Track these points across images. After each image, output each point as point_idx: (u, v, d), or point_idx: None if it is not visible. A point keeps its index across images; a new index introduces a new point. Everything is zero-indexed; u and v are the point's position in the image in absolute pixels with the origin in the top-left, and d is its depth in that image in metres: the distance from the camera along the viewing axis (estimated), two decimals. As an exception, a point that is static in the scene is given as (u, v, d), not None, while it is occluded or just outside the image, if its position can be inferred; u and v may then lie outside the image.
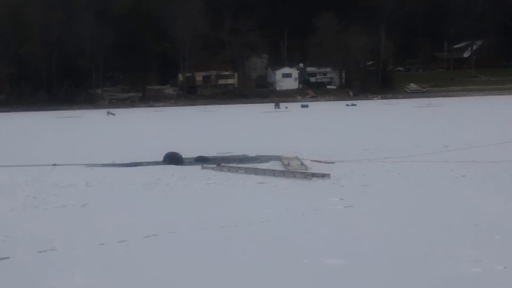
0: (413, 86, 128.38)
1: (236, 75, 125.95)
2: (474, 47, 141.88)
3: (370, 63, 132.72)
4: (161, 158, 19.36)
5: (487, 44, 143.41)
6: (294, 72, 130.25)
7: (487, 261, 7.10)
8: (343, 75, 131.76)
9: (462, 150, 19.74)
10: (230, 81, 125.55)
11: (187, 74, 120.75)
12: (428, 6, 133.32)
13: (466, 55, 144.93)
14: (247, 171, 16.24)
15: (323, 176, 14.70)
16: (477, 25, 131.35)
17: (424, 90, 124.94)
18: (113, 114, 70.50)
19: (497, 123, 34.09)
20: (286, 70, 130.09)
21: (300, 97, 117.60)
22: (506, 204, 10.64)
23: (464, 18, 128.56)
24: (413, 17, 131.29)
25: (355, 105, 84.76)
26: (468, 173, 14.63)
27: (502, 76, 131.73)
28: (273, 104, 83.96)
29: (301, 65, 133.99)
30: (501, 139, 23.08)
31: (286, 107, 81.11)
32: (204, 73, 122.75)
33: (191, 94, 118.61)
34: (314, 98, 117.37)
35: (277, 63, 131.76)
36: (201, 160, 19.10)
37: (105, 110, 77.66)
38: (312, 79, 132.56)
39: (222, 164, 17.45)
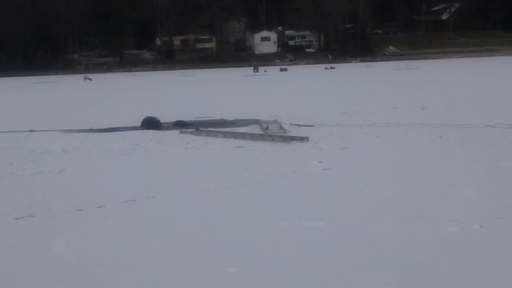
0: (391, 48, 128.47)
1: (214, 39, 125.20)
2: (452, 10, 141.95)
3: (348, 26, 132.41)
4: (139, 123, 19.25)
5: (465, 7, 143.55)
6: (273, 36, 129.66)
7: (463, 221, 7.16)
8: (322, 38, 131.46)
9: (439, 113, 19.81)
10: (208, 45, 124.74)
11: (165, 39, 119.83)
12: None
13: (444, 17, 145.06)
14: (226, 135, 16.18)
15: (302, 139, 14.70)
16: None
17: (403, 52, 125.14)
18: (90, 79, 69.87)
19: (474, 86, 34.25)
20: (265, 33, 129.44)
21: (279, 60, 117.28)
22: (482, 165, 10.71)
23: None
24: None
25: (334, 68, 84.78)
26: (445, 135, 14.70)
27: (480, 38, 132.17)
28: (251, 68, 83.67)
29: (280, 28, 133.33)
30: (478, 102, 23.22)
31: (265, 71, 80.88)
32: (182, 38, 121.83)
33: (169, 59, 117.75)
34: (293, 61, 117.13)
35: (255, 27, 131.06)
36: (180, 125, 19.00)
37: (82, 76, 76.86)
38: (291, 43, 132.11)
39: (201, 129, 17.36)
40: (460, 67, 64.97)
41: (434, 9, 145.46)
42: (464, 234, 6.72)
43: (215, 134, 16.45)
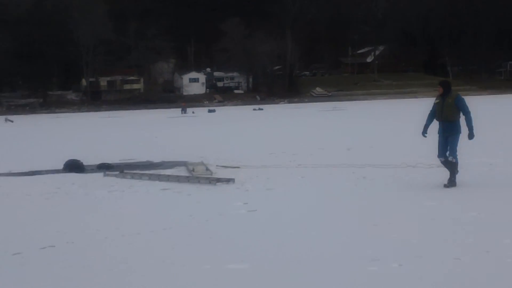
0: (318, 90, 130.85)
1: (142, 80, 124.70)
2: (377, 52, 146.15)
3: (277, 67, 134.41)
4: (61, 166, 18.80)
5: (389, 50, 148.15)
6: (201, 77, 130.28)
7: (383, 260, 7.27)
8: (250, 79, 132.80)
9: (364, 153, 20.17)
10: (136, 86, 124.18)
11: (91, 79, 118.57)
12: (332, 12, 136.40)
13: (369, 60, 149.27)
14: (151, 177, 15.98)
15: (228, 181, 14.66)
16: (379, 31, 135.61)
17: (330, 94, 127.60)
18: (11, 121, 68.35)
19: (396, 127, 35.11)
20: (193, 74, 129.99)
21: (207, 102, 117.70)
22: (403, 205, 10.90)
23: (366, 24, 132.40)
24: (318, 23, 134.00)
25: (262, 109, 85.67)
26: (368, 175, 14.94)
27: (403, 80, 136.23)
28: (180, 109, 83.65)
29: (208, 69, 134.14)
30: (400, 143, 23.78)
31: (193, 112, 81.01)
32: (108, 78, 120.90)
33: (95, 100, 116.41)
34: (222, 102, 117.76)
35: (184, 68, 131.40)
36: (104, 167, 18.64)
37: (3, 117, 75.06)
38: (220, 84, 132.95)
39: (126, 171, 17.11)
40: (384, 109, 66.66)
41: (359, 51, 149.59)
42: (383, 273, 6.79)
43: (140, 176, 16.23)
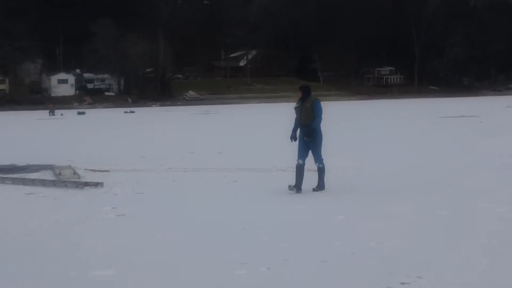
0: (191, 93, 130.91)
1: (7, 80, 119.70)
2: (250, 57, 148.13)
3: (149, 70, 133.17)
4: None
5: (261, 54, 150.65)
6: (71, 78, 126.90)
7: (252, 263, 7.32)
8: (122, 81, 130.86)
9: (235, 157, 20.33)
10: (1, 86, 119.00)
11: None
12: (205, 15, 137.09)
13: (242, 64, 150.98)
14: (15, 181, 15.32)
15: (96, 185, 14.30)
16: (251, 36, 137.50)
17: (202, 97, 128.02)
18: None
19: (267, 131, 35.66)
20: (62, 76, 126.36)
21: (77, 103, 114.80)
22: (272, 208, 11.05)
23: (239, 29, 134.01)
24: (191, 25, 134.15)
25: (133, 112, 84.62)
26: (239, 179, 15.06)
27: (276, 84, 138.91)
28: (47, 111, 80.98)
29: (78, 71, 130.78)
30: (271, 146, 24.18)
31: (62, 114, 78.76)
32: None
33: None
34: (92, 105, 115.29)
35: (52, 69, 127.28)
36: (-37, 171, 17.67)
37: None
38: (90, 86, 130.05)
39: (-13, 175, 16.32)
40: (257, 112, 67.66)
41: (232, 55, 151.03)
42: (252, 276, 6.83)
43: (3, 180, 15.51)
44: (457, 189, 12.72)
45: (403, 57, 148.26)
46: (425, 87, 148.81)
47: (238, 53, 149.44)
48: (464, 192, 12.35)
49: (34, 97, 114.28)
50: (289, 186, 12.79)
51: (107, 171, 17.34)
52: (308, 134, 12.50)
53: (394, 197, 11.87)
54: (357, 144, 25.07)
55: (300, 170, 12.69)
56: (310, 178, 13.00)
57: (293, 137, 13.08)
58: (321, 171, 12.76)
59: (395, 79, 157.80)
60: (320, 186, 12.81)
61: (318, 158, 12.69)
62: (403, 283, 6.48)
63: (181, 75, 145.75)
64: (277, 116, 53.19)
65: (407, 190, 12.80)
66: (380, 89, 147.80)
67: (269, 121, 48.33)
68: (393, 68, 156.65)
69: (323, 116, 12.70)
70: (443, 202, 11.18)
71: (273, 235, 8.80)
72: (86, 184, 14.38)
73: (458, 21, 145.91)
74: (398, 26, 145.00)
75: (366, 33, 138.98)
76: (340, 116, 48.39)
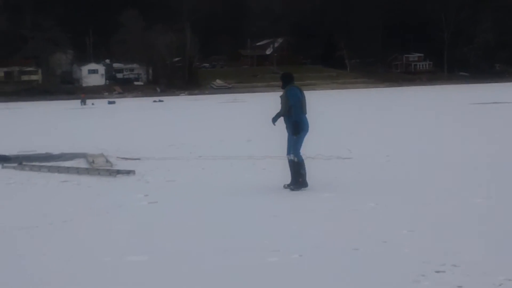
0: (219, 82, 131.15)
1: (40, 71, 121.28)
2: (276, 45, 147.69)
3: (176, 59, 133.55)
4: (-46, 160, 18.05)
5: (287, 42, 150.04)
6: (101, 68, 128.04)
7: (283, 251, 7.38)
8: (150, 71, 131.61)
9: (264, 145, 20.38)
10: (34, 77, 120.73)
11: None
12: (230, 5, 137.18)
13: (268, 52, 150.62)
14: (50, 169, 15.64)
15: (128, 172, 14.54)
16: (276, 25, 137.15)
17: (230, 86, 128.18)
18: None
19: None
20: (92, 66, 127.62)
21: (107, 93, 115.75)
22: (301, 196, 11.11)
23: (263, 18, 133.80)
24: (216, 15, 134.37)
25: (162, 101, 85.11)
26: (268, 167, 15.16)
27: (302, 72, 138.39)
28: (79, 101, 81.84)
29: (108, 61, 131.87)
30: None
31: (93, 104, 79.55)
32: (5, 69, 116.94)
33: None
34: (122, 94, 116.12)
35: (82, 59, 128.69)
36: (1, 160, 18.05)
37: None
38: (119, 75, 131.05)
39: (24, 163, 16.66)
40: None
41: (258, 44, 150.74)
42: (284, 263, 6.92)
43: (39, 168, 15.85)
44: (493, 177, 12.58)
45: (432, 43, 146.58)
46: (455, 73, 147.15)
47: (264, 42, 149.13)
48: (497, 180, 12.21)
49: (65, 87, 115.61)
50: (284, 185, 11.70)
51: (138, 159, 17.59)
52: (293, 131, 11.33)
53: (424, 185, 11.87)
54: (387, 131, 25.00)
55: (290, 163, 11.55)
56: (339, 166, 12.94)
57: (273, 119, 11.92)
58: (294, 165, 11.39)
59: (424, 66, 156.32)
60: (296, 183, 11.44)
61: (295, 150, 11.37)
62: (438, 271, 6.41)
63: (208, 64, 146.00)
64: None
65: (438, 178, 12.79)
66: (408, 76, 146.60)
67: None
68: (422, 55, 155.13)
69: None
70: (477, 190, 11.11)
71: (304, 223, 8.90)
72: (118, 172, 14.63)
73: (487, 5, 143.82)
74: (426, 12, 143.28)
75: (393, 19, 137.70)
76: (367, 103, 48.16)
